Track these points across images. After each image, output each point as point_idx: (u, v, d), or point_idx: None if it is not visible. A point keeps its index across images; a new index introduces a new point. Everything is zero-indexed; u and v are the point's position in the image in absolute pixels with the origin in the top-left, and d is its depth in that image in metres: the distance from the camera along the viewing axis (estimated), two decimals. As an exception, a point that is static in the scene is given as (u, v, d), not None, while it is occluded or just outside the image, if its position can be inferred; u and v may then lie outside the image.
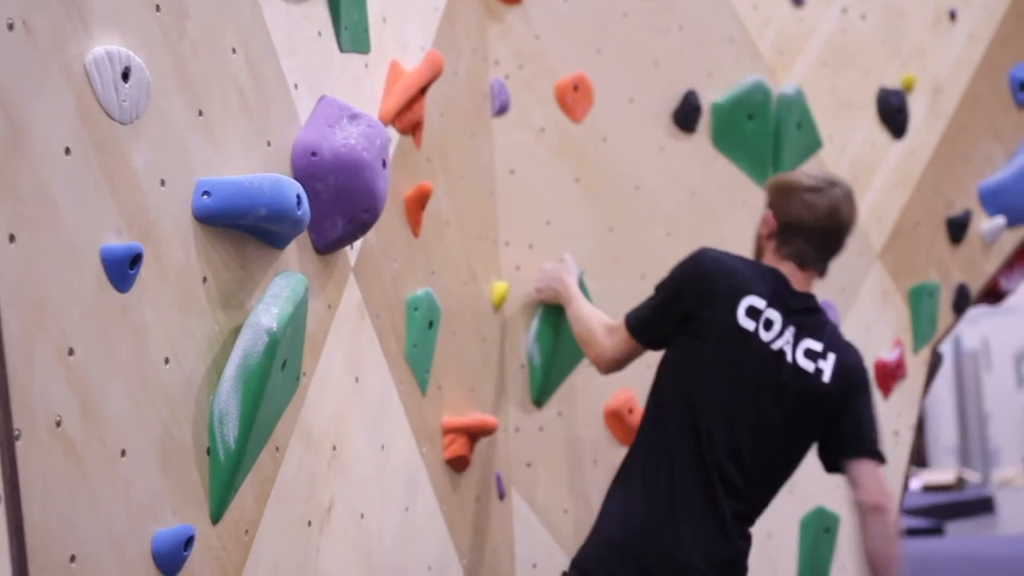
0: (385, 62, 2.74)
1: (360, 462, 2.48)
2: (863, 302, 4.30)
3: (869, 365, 4.14)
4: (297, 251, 2.27)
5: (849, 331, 4.16)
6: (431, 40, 3.01)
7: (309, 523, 2.26)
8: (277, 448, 2.15)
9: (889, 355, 4.34)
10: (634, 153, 3.72)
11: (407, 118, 2.78)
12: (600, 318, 3.22)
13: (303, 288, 2.10)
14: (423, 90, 2.82)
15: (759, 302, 2.97)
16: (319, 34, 2.43)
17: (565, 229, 3.54)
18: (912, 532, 9.96)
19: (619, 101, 3.71)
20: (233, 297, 2.03)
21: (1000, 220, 4.77)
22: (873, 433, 3.08)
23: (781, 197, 3.16)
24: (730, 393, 2.93)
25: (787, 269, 3.10)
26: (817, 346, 3.02)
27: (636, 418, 3.61)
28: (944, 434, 20.55)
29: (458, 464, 2.97)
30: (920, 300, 4.48)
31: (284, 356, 2.05)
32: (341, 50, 2.51)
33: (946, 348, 20.33)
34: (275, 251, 2.17)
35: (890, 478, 4.22)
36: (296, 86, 2.31)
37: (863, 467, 3.02)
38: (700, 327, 2.97)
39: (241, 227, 2.04)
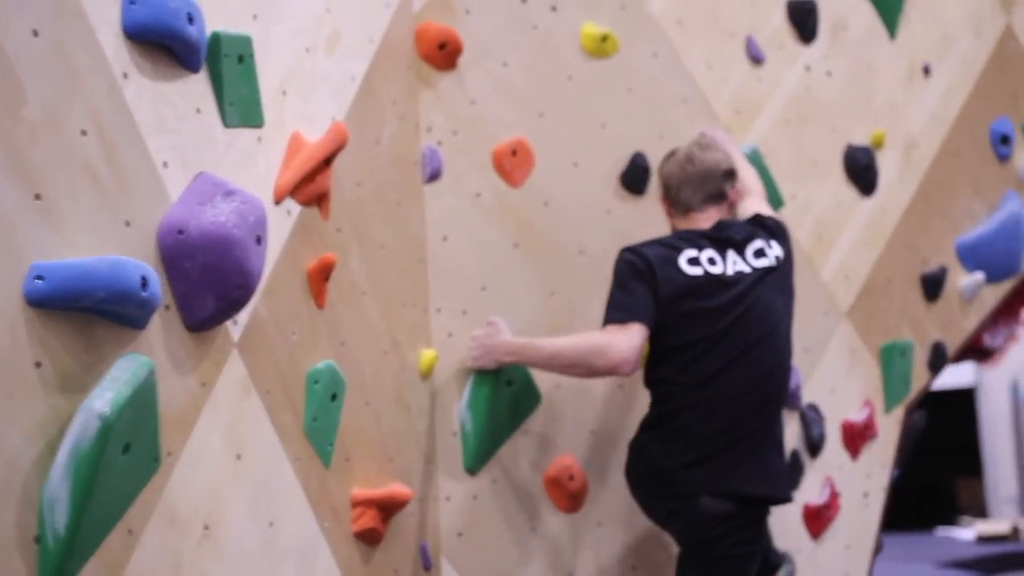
0: (284, 135, 2.72)
1: (241, 540, 2.43)
2: (828, 362, 4.19)
3: (836, 425, 4.08)
4: (163, 330, 2.24)
5: (814, 392, 4.09)
6: (345, 110, 2.98)
7: (173, 605, 2.22)
8: (130, 531, 2.11)
9: (857, 416, 4.22)
10: (578, 217, 3.67)
11: (309, 190, 2.76)
12: (579, 336, 3.38)
13: (146, 371, 2.07)
14: (327, 161, 2.80)
15: (693, 252, 3.38)
16: (197, 111, 2.41)
17: (502, 294, 3.49)
18: (960, 585, 9.68)
19: (562, 164, 3.66)
20: (77, 381, 2.00)
21: (979, 276, 4.63)
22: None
23: (660, 178, 3.61)
24: (726, 338, 3.32)
25: (692, 224, 3.49)
26: (758, 243, 3.46)
27: (577, 484, 3.54)
28: (1003, 484, 20.07)
29: (369, 537, 2.91)
30: (892, 359, 4.36)
31: (125, 440, 2.02)
32: (225, 125, 2.49)
33: (1005, 396, 20.06)
34: (132, 331, 2.15)
35: (862, 541, 4.11)
36: (166, 164, 2.29)
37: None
38: (662, 300, 3.31)
39: (82, 310, 2.01)
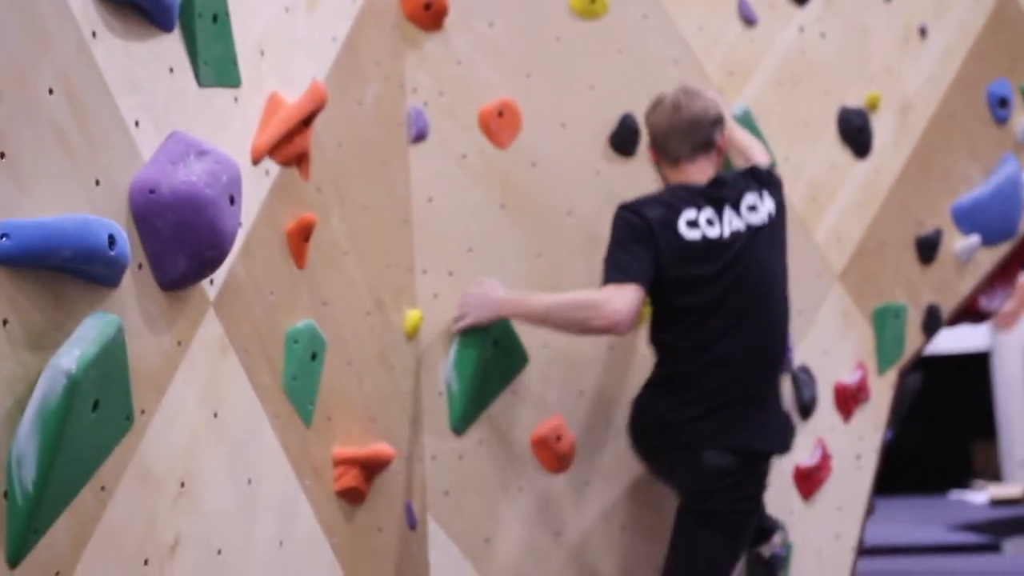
0: (262, 95, 2.71)
1: (217, 498, 2.44)
2: (821, 324, 4.18)
3: (829, 388, 4.07)
4: (136, 289, 2.24)
5: (806, 354, 4.08)
6: (326, 71, 2.98)
7: (146, 562, 2.23)
8: (103, 488, 2.13)
9: (850, 378, 4.21)
10: (566, 178, 3.66)
11: (288, 150, 2.75)
12: (577, 293, 3.38)
13: (114, 328, 2.07)
14: (306, 121, 2.79)
15: (692, 214, 3.37)
16: (171, 70, 2.41)
17: (488, 256, 3.49)
18: (965, 548, 9.69)
19: (550, 126, 3.65)
20: (46, 338, 2.01)
21: (975, 239, 4.61)
22: None
23: (647, 127, 3.57)
24: (727, 302, 3.36)
25: (682, 175, 3.48)
26: (751, 197, 3.47)
27: (565, 445, 3.55)
28: (1018, 447, 20.02)
29: (351, 495, 2.92)
30: (885, 321, 4.35)
31: (93, 397, 2.02)
32: (200, 85, 2.49)
33: (1019, 360, 19.94)
34: (104, 289, 2.15)
35: (854, 503, 4.12)
36: (138, 123, 2.29)
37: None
38: (662, 264, 3.33)
39: (50, 268, 2.02)
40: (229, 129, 2.58)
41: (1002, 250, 4.76)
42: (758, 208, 3.48)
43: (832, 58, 4.32)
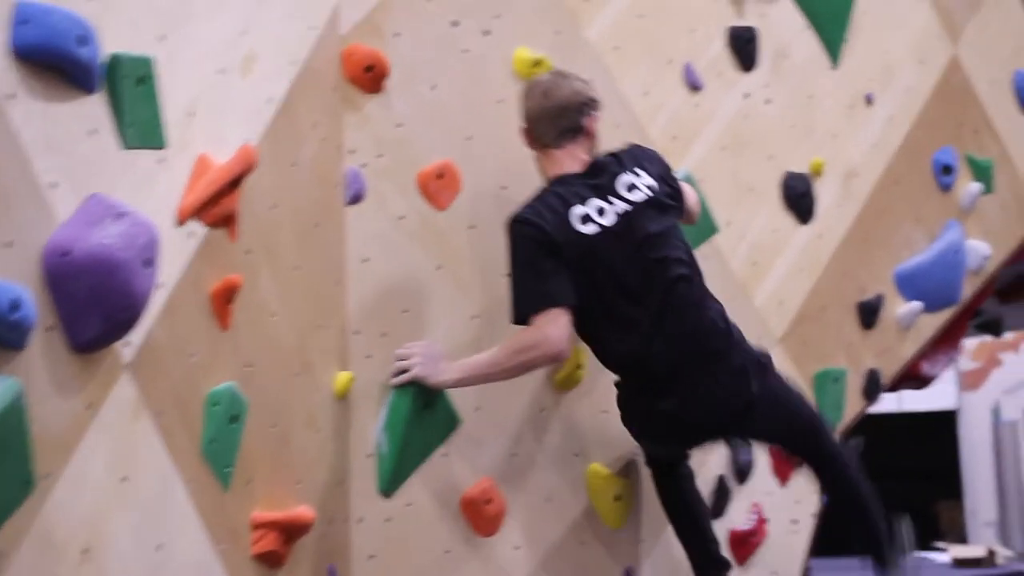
0: (190, 157, 2.71)
1: (123, 563, 2.42)
2: (760, 389, 4.18)
3: (765, 451, 4.07)
4: (45, 351, 2.24)
5: (744, 419, 4.06)
6: (261, 132, 2.98)
7: (45, 629, 2.21)
8: (0, 553, 2.11)
9: (788, 444, 4.21)
10: (504, 240, 3.65)
11: (215, 212, 2.75)
12: (510, 341, 3.36)
13: (12, 392, 2.07)
14: (235, 183, 2.79)
15: (580, 209, 3.37)
16: (92, 132, 2.41)
17: (423, 317, 3.47)
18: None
19: (490, 188, 3.64)
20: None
21: (917, 305, 4.64)
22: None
23: (520, 107, 3.53)
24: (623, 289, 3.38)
25: (554, 161, 3.48)
26: (627, 177, 3.46)
27: (495, 508, 3.53)
28: (983, 508, 20.06)
29: (270, 559, 2.89)
30: (825, 386, 4.36)
31: (-11, 462, 2.01)
32: (124, 147, 2.49)
33: (986, 420, 19.99)
34: (10, 352, 2.14)
35: (789, 568, 4.11)
36: (55, 185, 2.29)
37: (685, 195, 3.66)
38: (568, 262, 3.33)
39: (-47, 331, 2.01)
40: (153, 191, 2.58)
41: (944, 316, 4.80)
42: (637, 185, 3.46)
43: (777, 124, 4.35)
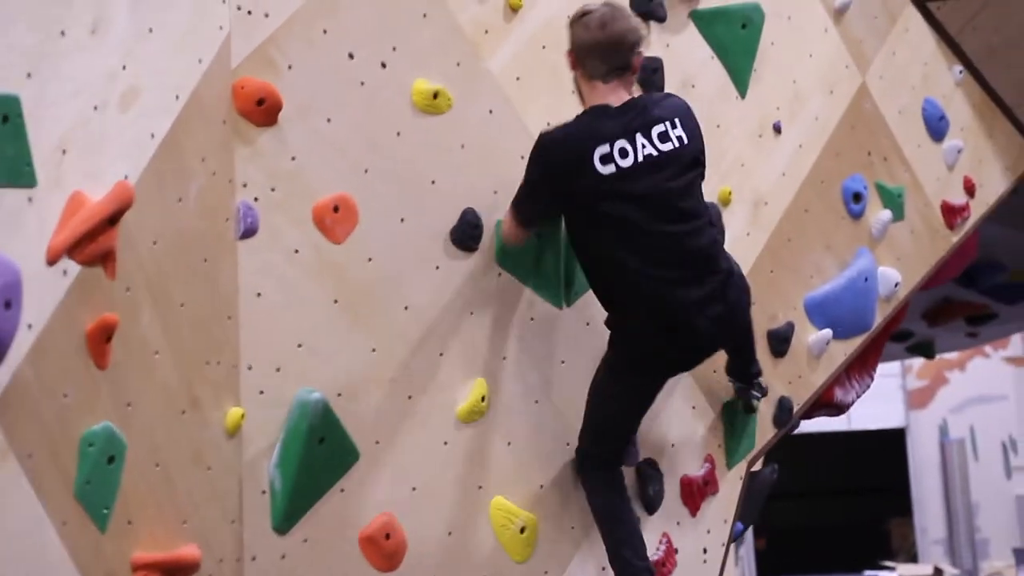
0: (63, 195, 2.67)
1: (-11, 610, 2.36)
2: (668, 417, 4.18)
3: (675, 481, 4.06)
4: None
5: (653, 450, 4.07)
6: (142, 168, 2.94)
7: None
8: None
9: (697, 471, 4.20)
10: (404, 273, 3.63)
11: (90, 250, 2.70)
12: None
13: None
14: (112, 220, 2.75)
15: (604, 148, 3.53)
16: (-46, 172, 2.36)
17: (319, 351, 3.44)
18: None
19: (388, 220, 3.62)
20: None
21: (827, 332, 4.65)
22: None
23: (570, 30, 3.68)
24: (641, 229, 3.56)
25: (599, 94, 3.64)
26: (661, 126, 3.60)
27: (395, 543, 3.50)
28: (932, 526, 20.19)
29: (152, 601, 2.85)
30: (735, 414, 4.35)
31: None
32: (-11, 185, 2.45)
33: (934, 438, 20.11)
34: None
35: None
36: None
37: None
38: (582, 200, 3.58)
39: None
40: (22, 230, 2.54)
41: (856, 343, 4.82)
42: (668, 135, 3.60)
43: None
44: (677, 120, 3.66)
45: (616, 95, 3.63)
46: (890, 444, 22.09)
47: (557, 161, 3.58)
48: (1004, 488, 19.72)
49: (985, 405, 20.48)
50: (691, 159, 3.69)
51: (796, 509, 21.75)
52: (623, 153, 3.55)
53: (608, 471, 3.85)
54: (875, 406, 22.11)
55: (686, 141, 3.66)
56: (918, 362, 21.17)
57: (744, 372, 4.20)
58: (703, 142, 3.76)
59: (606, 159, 3.54)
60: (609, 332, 3.79)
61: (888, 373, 20.51)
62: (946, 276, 5.91)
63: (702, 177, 3.78)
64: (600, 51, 3.60)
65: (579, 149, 3.55)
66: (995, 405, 20.44)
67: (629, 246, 3.57)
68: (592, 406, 3.84)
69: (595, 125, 3.59)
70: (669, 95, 3.84)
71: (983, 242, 6.68)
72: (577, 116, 3.68)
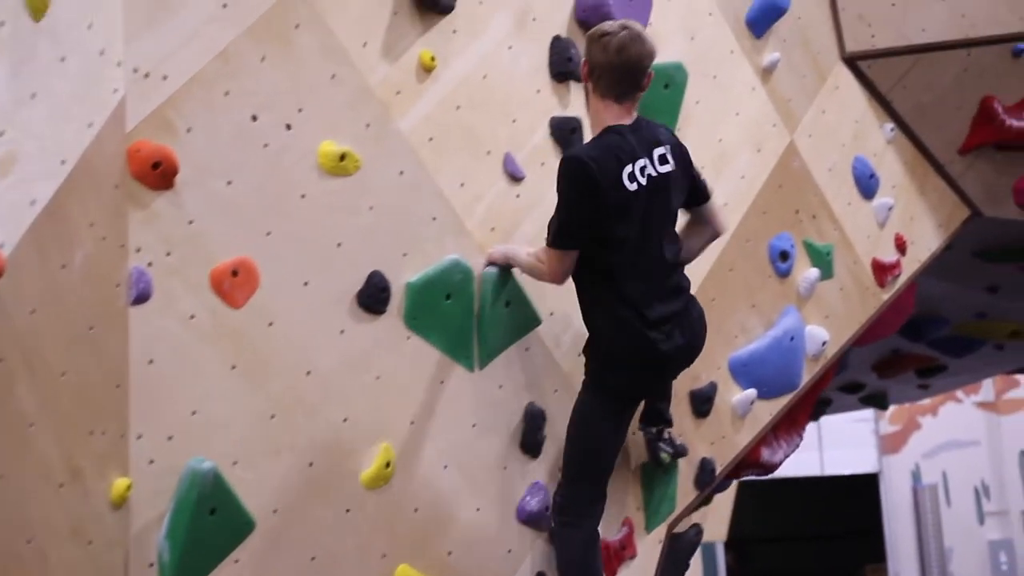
0: (-72, 263, 2.59)
1: None
2: (586, 482, 4.08)
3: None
4: None
5: (567, 513, 3.95)
6: (19, 236, 2.85)
7: None
8: None
9: (614, 536, 4.11)
10: (307, 337, 3.55)
11: (-45, 320, 2.62)
12: (538, 251, 3.86)
13: None
14: (-20, 290, 2.66)
15: (630, 168, 3.68)
16: None
17: (214, 418, 3.34)
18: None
19: (291, 284, 3.54)
20: None
21: (751, 392, 4.58)
22: (705, 183, 4.04)
23: (588, 45, 3.78)
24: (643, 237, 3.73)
25: (612, 113, 3.76)
26: (660, 149, 3.78)
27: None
28: (906, 571, 20.05)
29: None
30: (654, 477, 4.27)
31: None
32: None
33: (907, 482, 20.02)
34: None
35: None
36: None
37: (710, 206, 4.06)
38: (606, 219, 3.68)
39: None
40: None
41: (782, 402, 4.74)
42: (667, 159, 3.77)
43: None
44: (668, 147, 3.81)
45: (628, 115, 3.77)
46: (863, 489, 21.98)
47: (596, 178, 3.63)
48: (976, 533, 19.65)
49: (957, 450, 20.43)
50: (681, 184, 3.86)
51: (771, 554, 21.64)
52: (643, 171, 3.70)
53: (586, 530, 3.82)
54: (848, 451, 22.08)
55: (675, 167, 3.80)
56: (890, 408, 21.17)
57: (661, 416, 4.17)
58: (686, 172, 3.90)
59: (631, 177, 3.68)
60: (589, 362, 3.90)
61: (861, 418, 20.48)
62: (883, 332, 5.86)
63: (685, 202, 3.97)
64: (616, 74, 3.72)
65: (614, 166, 3.66)
66: (967, 450, 20.40)
67: (630, 265, 3.72)
68: (576, 438, 3.86)
69: (620, 144, 3.70)
70: (666, 128, 3.97)
71: (926, 297, 6.65)
72: (598, 136, 3.77)
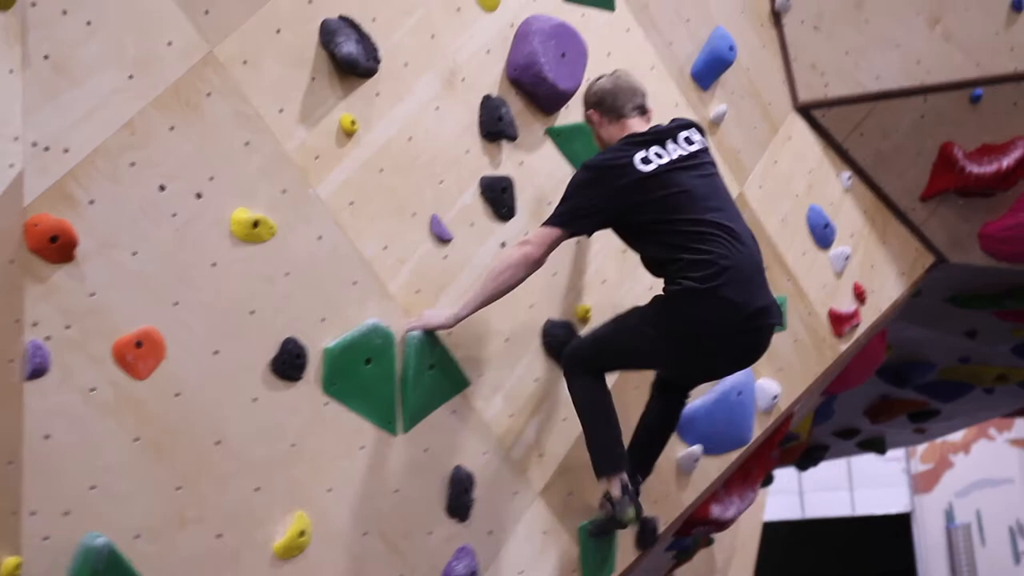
0: None
1: None
2: (517, 544, 3.94)
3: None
4: None
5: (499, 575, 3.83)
6: None
7: None
8: None
9: (549, 602, 3.96)
10: (217, 406, 3.44)
11: None
12: (490, 268, 3.85)
13: None
14: None
15: (641, 153, 3.80)
16: None
17: (115, 492, 3.23)
18: None
19: (200, 353, 3.44)
20: None
21: (696, 449, 4.42)
22: None
23: (588, 94, 4.06)
24: (685, 207, 3.76)
25: (626, 129, 3.95)
26: (686, 132, 3.92)
27: None
28: (943, 609, 19.59)
29: None
30: (591, 540, 4.11)
31: None
32: None
33: (940, 522, 19.56)
34: None
35: None
36: None
37: None
38: (628, 196, 3.77)
39: None
40: None
41: (731, 457, 4.57)
42: (692, 139, 3.90)
43: (539, 272, 4.17)
44: (694, 129, 3.95)
45: (642, 127, 3.95)
46: (896, 529, 21.52)
47: (598, 165, 3.80)
48: (1013, 573, 19.16)
49: (991, 488, 19.96)
50: (711, 162, 3.95)
51: (804, 597, 21.20)
52: (659, 155, 3.80)
53: (593, 376, 3.89)
54: (879, 490, 21.65)
55: (704, 143, 3.95)
56: (922, 446, 20.70)
57: (650, 466, 4.09)
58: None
59: (645, 160, 3.78)
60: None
61: (892, 457, 20.07)
62: (855, 381, 5.70)
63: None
64: (620, 94, 3.97)
65: (622, 155, 3.79)
66: (1001, 488, 19.93)
67: (675, 222, 3.76)
68: (612, 330, 3.89)
69: (631, 140, 3.85)
70: (683, 118, 4.08)
71: (908, 342, 6.47)
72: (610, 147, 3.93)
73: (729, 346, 3.73)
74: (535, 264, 3.76)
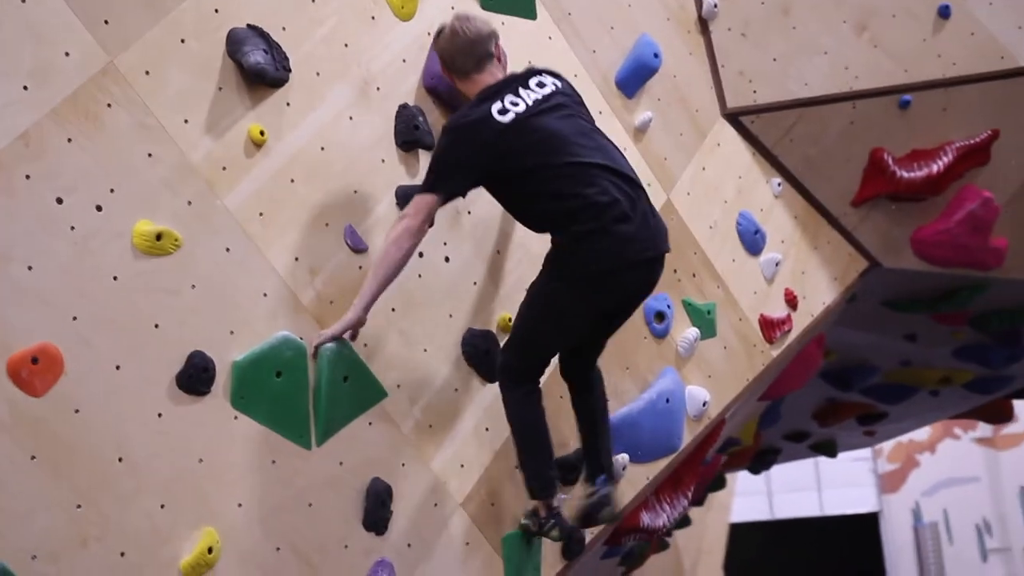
0: None
1: None
2: (437, 556, 3.81)
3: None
4: None
5: (417, 591, 3.69)
6: None
7: None
8: None
9: (470, 614, 3.82)
10: (119, 422, 3.30)
11: None
12: (382, 250, 3.69)
13: None
14: None
15: (497, 105, 3.73)
16: None
17: (11, 512, 3.08)
18: None
19: (101, 369, 3.29)
20: None
21: (623, 456, 4.29)
22: None
23: (439, 55, 3.94)
24: (553, 148, 3.71)
25: (476, 84, 3.84)
26: (536, 78, 3.86)
27: None
28: (910, 609, 19.51)
29: None
30: (515, 551, 3.98)
31: None
32: None
33: (907, 521, 19.51)
34: None
35: None
36: None
37: None
38: (496, 148, 3.69)
39: None
40: None
41: (660, 465, 4.45)
42: (544, 83, 3.83)
43: (456, 281, 4.06)
44: (546, 74, 3.89)
45: (493, 77, 3.83)
46: (864, 529, 21.42)
47: (462, 126, 3.70)
48: (980, 571, 19.10)
49: (958, 487, 19.91)
50: (570, 103, 3.86)
51: (772, 598, 21.08)
52: (514, 103, 3.73)
53: (527, 387, 3.81)
54: (847, 490, 21.56)
55: (560, 85, 3.87)
56: (888, 445, 20.62)
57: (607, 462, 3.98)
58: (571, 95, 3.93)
59: (502, 111, 3.71)
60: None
61: (859, 457, 19.99)
62: (792, 385, 5.59)
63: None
64: (459, 55, 3.83)
65: (478, 111, 3.71)
66: (968, 487, 19.88)
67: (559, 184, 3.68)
68: (524, 313, 3.82)
69: (486, 93, 3.76)
70: (535, 67, 4.00)
71: (849, 346, 6.37)
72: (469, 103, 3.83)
73: (630, 278, 3.73)
74: (417, 233, 3.66)
